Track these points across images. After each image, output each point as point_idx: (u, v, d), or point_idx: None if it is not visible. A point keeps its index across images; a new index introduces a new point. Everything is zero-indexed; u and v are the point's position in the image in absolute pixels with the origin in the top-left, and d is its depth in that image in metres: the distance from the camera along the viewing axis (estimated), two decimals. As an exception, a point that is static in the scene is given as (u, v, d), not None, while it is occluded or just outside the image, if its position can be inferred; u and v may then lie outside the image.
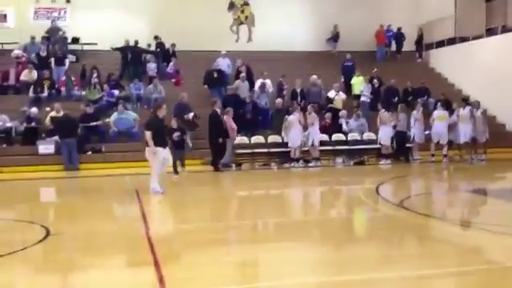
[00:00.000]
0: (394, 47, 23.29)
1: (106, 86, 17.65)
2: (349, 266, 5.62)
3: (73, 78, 18.04)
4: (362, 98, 18.52)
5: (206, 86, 18.40)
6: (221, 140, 13.99)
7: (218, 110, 14.41)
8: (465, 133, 15.12)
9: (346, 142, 16.34)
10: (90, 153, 15.28)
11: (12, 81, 17.92)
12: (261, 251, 6.44)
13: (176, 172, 12.98)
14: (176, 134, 12.79)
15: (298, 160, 15.10)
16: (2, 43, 19.81)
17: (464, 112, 15.22)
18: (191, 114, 15.79)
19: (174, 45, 20.17)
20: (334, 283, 5.10)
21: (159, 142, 10.00)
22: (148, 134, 9.94)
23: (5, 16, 20.14)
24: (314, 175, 14.41)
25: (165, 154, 10.18)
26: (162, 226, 8.03)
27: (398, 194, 10.67)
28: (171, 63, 19.97)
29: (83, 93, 17.69)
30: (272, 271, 5.48)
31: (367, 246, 6.57)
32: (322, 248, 6.64)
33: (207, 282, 5.12)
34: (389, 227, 7.58)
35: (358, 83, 18.97)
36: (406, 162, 15.61)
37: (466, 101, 16.19)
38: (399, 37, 23.08)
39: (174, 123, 13.18)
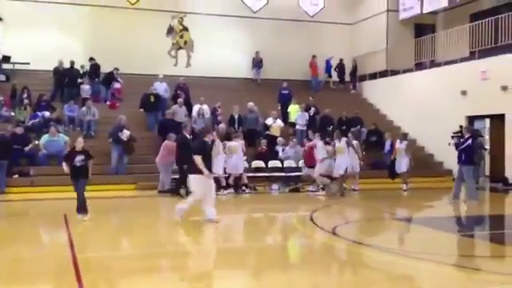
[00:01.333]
0: (334, 77, 24.02)
1: (36, 107, 17.06)
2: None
3: (1, 98, 17.33)
4: (297, 126, 18.88)
5: (142, 110, 18.20)
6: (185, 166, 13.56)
7: (187, 135, 14.05)
8: (339, 164, 14.75)
9: (281, 169, 16.52)
10: (16, 176, 14.61)
11: None
12: (189, 280, 6.35)
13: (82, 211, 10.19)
14: (79, 158, 9.97)
15: (230, 187, 14.99)
16: None
17: (340, 144, 14.80)
18: (126, 133, 15.48)
19: (117, 69, 19.80)
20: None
21: (208, 167, 9.54)
22: (199, 159, 9.39)
23: None
24: (248, 202, 14.41)
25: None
26: (90, 253, 7.73)
27: (331, 221, 10.83)
28: (117, 85, 19.56)
29: (12, 113, 17.01)
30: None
31: (298, 273, 6.60)
32: (252, 275, 6.61)
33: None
34: (321, 254, 7.67)
35: (294, 111, 19.34)
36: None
37: (405, 136, 16.46)
38: (341, 68, 23.80)
39: (78, 143, 10.17)
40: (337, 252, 8.01)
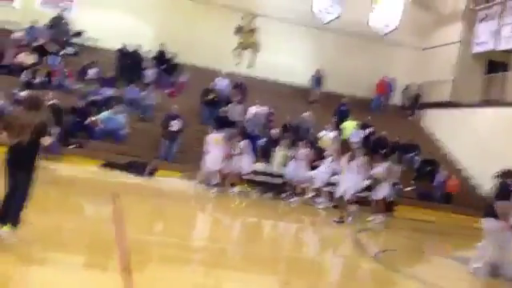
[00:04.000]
0: (395, 100, 23.60)
1: (99, 84, 17.48)
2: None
3: (66, 70, 17.84)
4: (351, 145, 18.55)
5: (202, 103, 18.31)
6: None
7: None
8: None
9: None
10: (73, 146, 14.98)
11: (7, 61, 17.65)
12: (227, 280, 6.30)
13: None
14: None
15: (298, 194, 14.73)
16: (5, 22, 19.55)
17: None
18: (177, 123, 15.73)
19: (175, 54, 20.07)
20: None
21: None
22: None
23: (13, -5, 19.99)
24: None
25: None
26: (136, 234, 7.79)
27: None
28: (184, 79, 19.81)
29: (76, 86, 17.49)
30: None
31: None
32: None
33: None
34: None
35: (350, 127, 19.04)
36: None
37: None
38: (406, 92, 23.43)
39: None
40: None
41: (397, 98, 23.79)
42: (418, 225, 14.81)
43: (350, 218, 12.19)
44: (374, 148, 18.38)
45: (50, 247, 6.14)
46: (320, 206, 14.05)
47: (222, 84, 19.21)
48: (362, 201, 14.26)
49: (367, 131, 19.01)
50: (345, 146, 18.25)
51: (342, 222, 11.87)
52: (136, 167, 14.12)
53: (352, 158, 12.93)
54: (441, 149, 21.59)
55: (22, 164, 5.75)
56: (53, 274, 5.23)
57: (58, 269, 5.50)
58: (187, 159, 16.10)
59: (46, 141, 5.93)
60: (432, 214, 16.09)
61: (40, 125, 5.70)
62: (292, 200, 14.42)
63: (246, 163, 14.50)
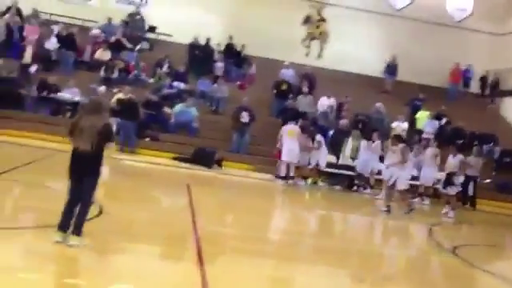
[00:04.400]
0: (472, 88, 22.63)
1: (172, 78, 17.97)
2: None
3: (141, 64, 18.42)
4: (424, 134, 18.00)
5: (273, 94, 18.35)
6: None
7: None
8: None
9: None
10: (148, 139, 15.49)
11: (86, 58, 18.47)
12: (301, 272, 6.32)
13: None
14: None
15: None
16: (83, 20, 20.46)
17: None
18: (245, 115, 15.90)
19: (243, 46, 20.21)
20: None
21: None
22: None
23: (90, -7, 20.89)
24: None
25: None
26: (208, 226, 7.95)
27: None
28: (253, 71, 19.97)
29: (151, 80, 18.04)
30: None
31: None
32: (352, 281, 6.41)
33: None
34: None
35: (423, 118, 18.46)
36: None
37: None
38: (484, 80, 22.44)
39: None
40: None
41: (474, 86, 22.77)
42: (497, 218, 14.19)
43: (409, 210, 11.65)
44: (450, 139, 17.74)
45: (127, 237, 6.40)
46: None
47: (287, 74, 19.16)
48: (436, 194, 13.88)
49: (442, 121, 18.34)
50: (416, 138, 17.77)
51: (388, 211, 11.34)
52: (204, 157, 14.40)
53: (422, 150, 12.64)
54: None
55: (89, 169, 5.56)
56: (130, 264, 5.43)
57: (136, 259, 5.71)
58: (258, 151, 16.25)
59: (111, 146, 5.81)
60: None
61: (105, 128, 5.57)
62: (365, 192, 14.23)
63: (323, 157, 14.43)
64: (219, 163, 14.59)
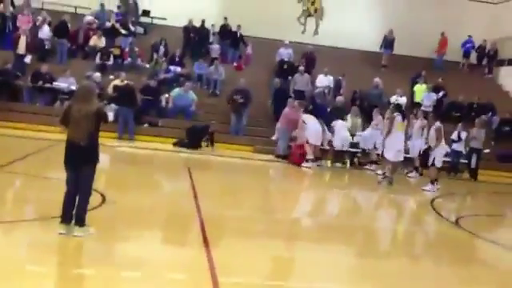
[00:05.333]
0: (472, 59, 22.51)
1: (169, 62, 17.88)
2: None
3: (136, 49, 18.29)
4: (422, 107, 17.93)
5: (274, 76, 18.22)
6: None
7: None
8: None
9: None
10: (146, 125, 15.47)
11: (81, 45, 18.31)
12: (302, 251, 6.39)
13: None
14: None
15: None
16: (76, 7, 20.26)
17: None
18: (237, 97, 15.95)
19: (239, 26, 20.03)
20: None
21: None
22: None
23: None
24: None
25: None
26: (212, 209, 7.99)
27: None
28: (249, 51, 19.85)
29: (147, 65, 17.94)
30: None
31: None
32: (357, 256, 6.49)
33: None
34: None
35: (420, 91, 18.39)
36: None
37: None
38: (482, 50, 22.24)
39: None
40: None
41: (472, 56, 22.64)
42: (497, 188, 14.25)
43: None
44: (448, 111, 17.74)
45: (132, 225, 6.44)
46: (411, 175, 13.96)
47: (284, 54, 19.05)
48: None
49: (440, 94, 18.29)
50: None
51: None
52: (197, 133, 14.56)
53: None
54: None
55: (85, 158, 5.50)
56: (136, 251, 5.47)
57: (142, 245, 5.76)
58: (257, 132, 16.24)
59: (110, 116, 5.82)
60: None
61: (99, 111, 5.54)
62: (369, 168, 14.29)
63: (339, 139, 14.54)
64: (211, 138, 14.73)
